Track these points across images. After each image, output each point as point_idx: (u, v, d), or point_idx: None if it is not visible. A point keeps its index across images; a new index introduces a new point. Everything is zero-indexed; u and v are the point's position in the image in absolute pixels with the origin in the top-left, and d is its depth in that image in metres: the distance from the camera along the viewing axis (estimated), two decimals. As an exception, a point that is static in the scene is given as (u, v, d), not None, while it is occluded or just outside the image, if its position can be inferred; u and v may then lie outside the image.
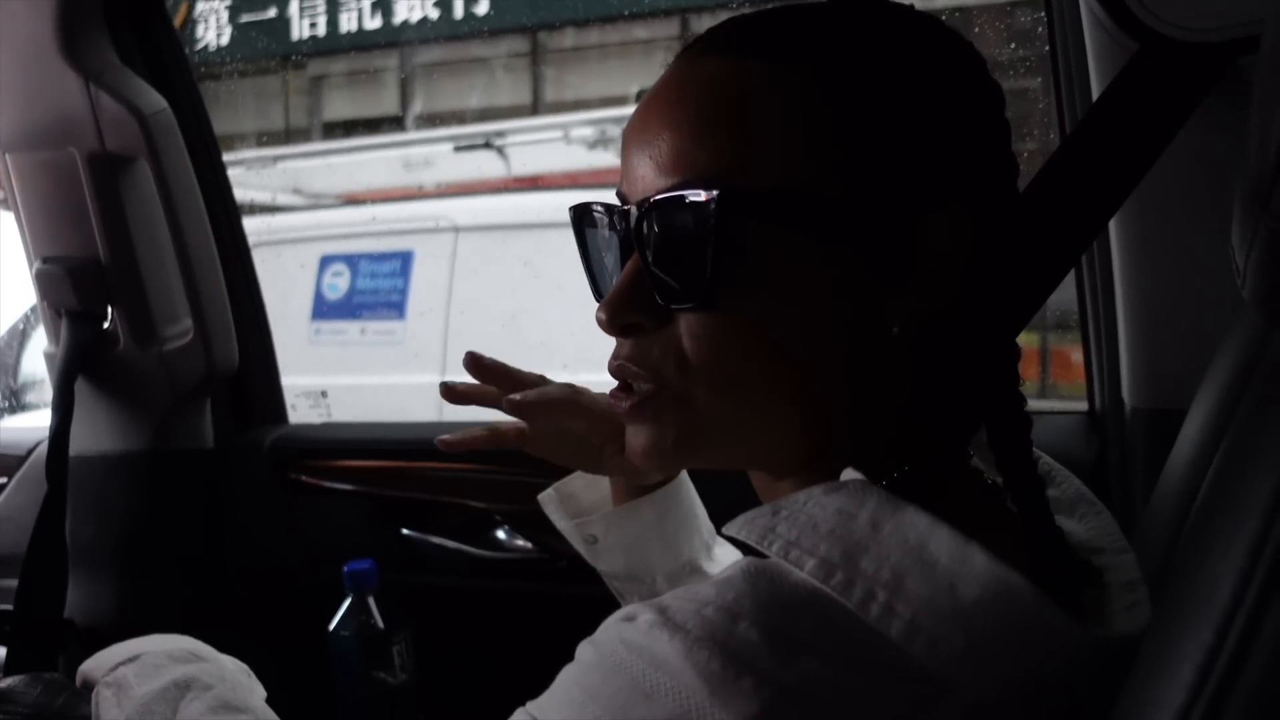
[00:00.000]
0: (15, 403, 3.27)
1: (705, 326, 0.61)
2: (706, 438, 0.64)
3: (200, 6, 5.89)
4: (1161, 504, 0.85)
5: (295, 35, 6.54)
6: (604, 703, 0.54)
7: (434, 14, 6.39)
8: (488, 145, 5.03)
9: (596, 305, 0.66)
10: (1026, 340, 0.71)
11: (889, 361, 0.63)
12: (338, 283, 4.24)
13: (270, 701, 0.97)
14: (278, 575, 1.65)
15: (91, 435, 1.58)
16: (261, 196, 4.98)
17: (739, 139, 0.59)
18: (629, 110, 0.66)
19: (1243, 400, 0.52)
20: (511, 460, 1.49)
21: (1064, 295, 0.96)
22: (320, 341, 4.21)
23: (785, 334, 0.61)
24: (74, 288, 1.49)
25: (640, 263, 0.62)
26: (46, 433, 1.50)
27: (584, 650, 0.58)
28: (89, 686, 0.96)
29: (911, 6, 0.64)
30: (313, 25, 6.47)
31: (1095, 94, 1.04)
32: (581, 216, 0.70)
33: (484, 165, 4.97)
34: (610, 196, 0.68)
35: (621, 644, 0.55)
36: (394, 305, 4.12)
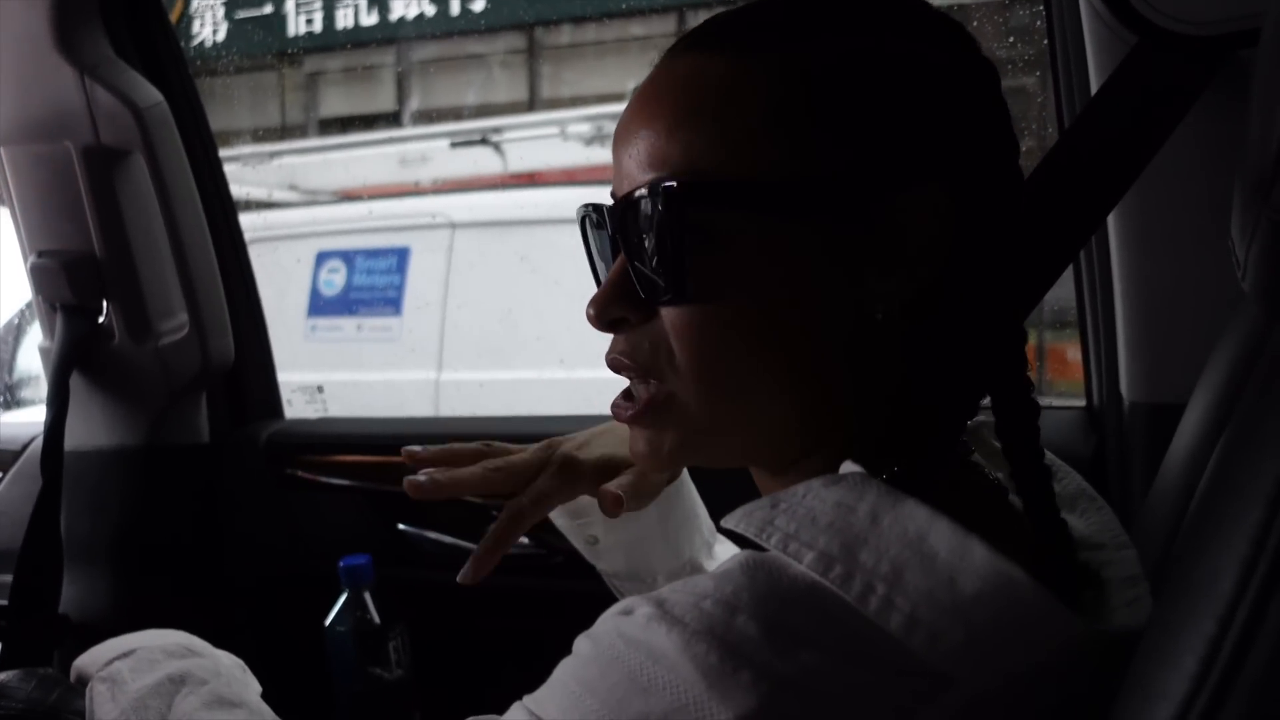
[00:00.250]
0: (10, 398, 3.27)
1: (685, 319, 0.62)
2: (703, 436, 0.65)
3: (196, 1, 5.88)
4: (1160, 498, 0.85)
5: (291, 31, 6.53)
6: (601, 696, 0.54)
7: (430, 10, 6.38)
8: (484, 141, 5.02)
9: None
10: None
11: (881, 349, 0.63)
12: (334, 279, 4.24)
13: (266, 697, 0.97)
14: (273, 570, 1.64)
15: (87, 430, 1.58)
16: (258, 192, 4.97)
17: (709, 132, 0.60)
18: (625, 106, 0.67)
19: (1244, 392, 0.52)
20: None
21: (1060, 292, 0.96)
22: (316, 337, 4.20)
23: (766, 323, 0.61)
24: (69, 282, 1.49)
25: (622, 259, 0.64)
26: (41, 427, 1.50)
27: (581, 644, 0.58)
28: (83, 681, 0.95)
29: None
30: (309, 21, 6.46)
31: (1094, 88, 1.04)
32: (585, 218, 0.72)
33: (480, 161, 4.97)
34: (607, 193, 0.70)
35: (619, 637, 0.55)
36: (390, 301, 4.12)
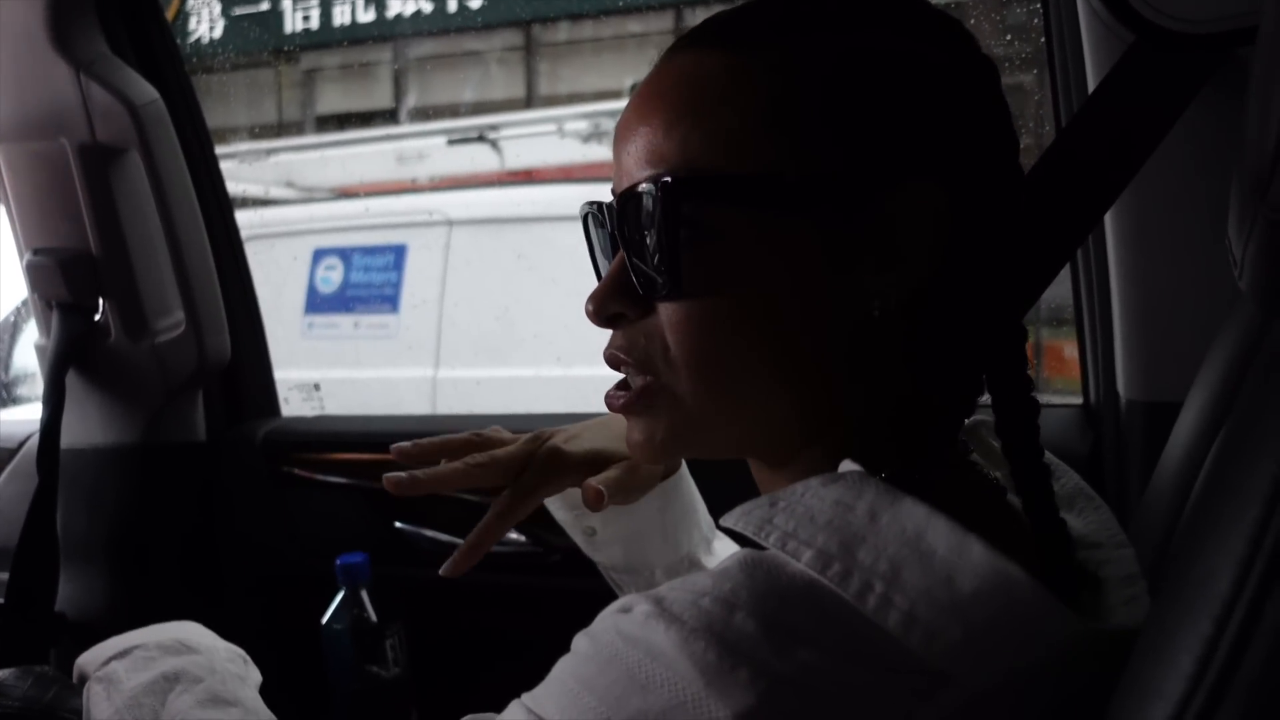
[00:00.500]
0: (6, 395, 3.26)
1: (682, 314, 0.62)
2: (697, 428, 0.65)
3: (192, -2, 5.88)
4: (1157, 496, 0.85)
5: (288, 28, 6.52)
6: (599, 693, 0.54)
7: (427, 7, 6.38)
8: (481, 139, 5.02)
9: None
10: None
11: (879, 345, 0.63)
12: (331, 276, 4.24)
13: (263, 694, 0.97)
14: (270, 568, 1.64)
15: (83, 428, 1.58)
16: (254, 189, 4.97)
17: (706, 128, 0.61)
18: (623, 104, 0.67)
19: (1241, 390, 0.52)
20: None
21: (1058, 290, 0.97)
22: (313, 335, 4.20)
23: (762, 318, 0.61)
24: (65, 280, 1.49)
25: (621, 254, 0.64)
26: (38, 425, 1.50)
27: (580, 642, 0.58)
28: (84, 680, 0.95)
29: None
30: (306, 18, 6.46)
31: (1091, 86, 1.04)
32: (587, 215, 0.72)
33: (478, 159, 4.96)
34: (604, 190, 0.70)
35: (617, 635, 0.55)
36: (387, 299, 4.12)
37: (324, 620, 1.35)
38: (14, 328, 3.15)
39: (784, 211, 0.60)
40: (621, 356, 0.66)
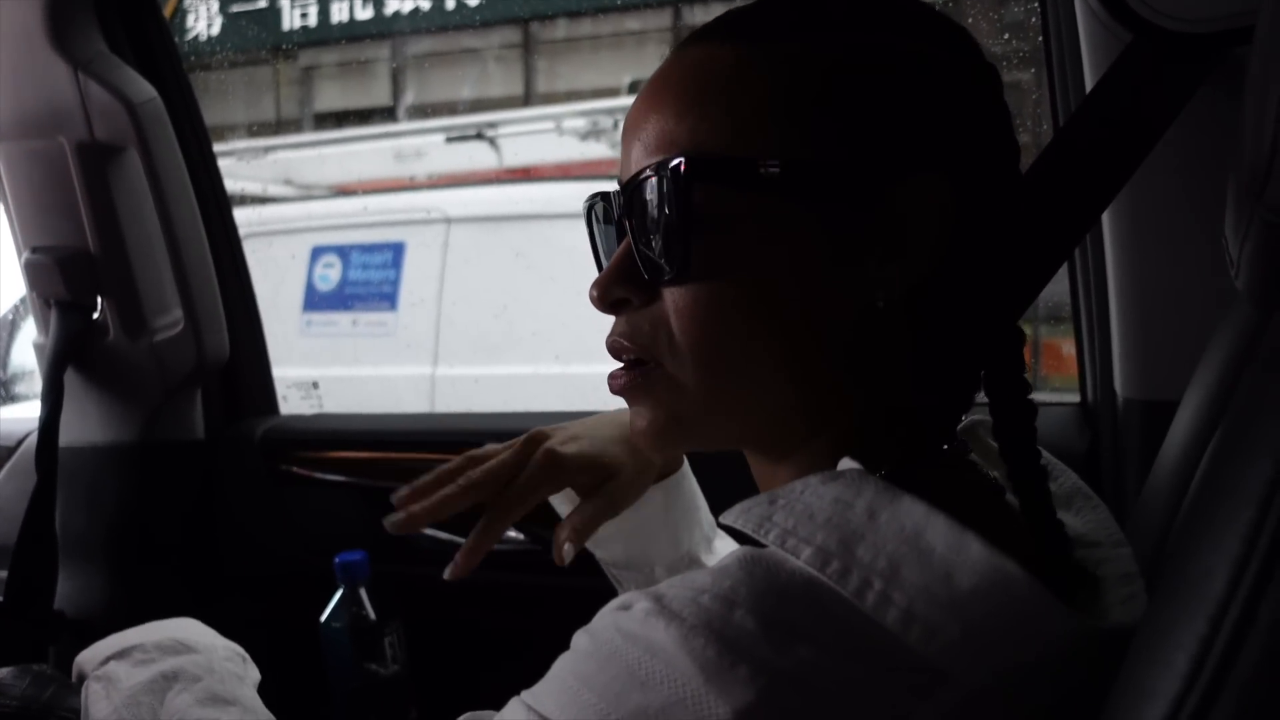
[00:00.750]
0: (4, 393, 3.26)
1: (686, 299, 0.62)
2: (700, 416, 0.65)
3: (190, -4, 5.87)
4: (1154, 495, 0.85)
5: (286, 25, 6.52)
6: (599, 690, 0.54)
7: (426, 4, 6.38)
8: (480, 136, 5.03)
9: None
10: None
11: (881, 339, 0.63)
12: (329, 274, 4.23)
13: (262, 693, 0.97)
14: (269, 566, 1.64)
15: (81, 426, 1.58)
16: (252, 187, 4.97)
17: (715, 116, 0.61)
18: (621, 101, 0.68)
19: (1237, 390, 0.52)
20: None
21: (1056, 287, 0.97)
22: (311, 333, 4.20)
23: (766, 305, 0.61)
24: (63, 278, 1.49)
25: (627, 240, 0.65)
26: (36, 424, 1.50)
27: (580, 639, 0.58)
28: (83, 679, 0.95)
29: None
30: (304, 15, 6.45)
31: (1089, 85, 1.04)
32: (590, 209, 0.73)
33: (476, 156, 4.97)
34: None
35: (617, 632, 0.55)
36: (386, 296, 4.12)
37: (323, 618, 1.35)
38: (12, 325, 3.15)
39: (790, 199, 0.60)
40: (624, 343, 0.66)
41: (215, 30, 6.19)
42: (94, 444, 1.58)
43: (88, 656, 0.97)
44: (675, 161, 0.60)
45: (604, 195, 0.70)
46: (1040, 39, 1.21)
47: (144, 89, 1.47)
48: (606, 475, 0.87)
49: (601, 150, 4.70)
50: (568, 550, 0.85)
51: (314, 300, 4.24)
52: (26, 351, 2.18)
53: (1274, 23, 0.51)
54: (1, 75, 1.44)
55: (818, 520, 0.56)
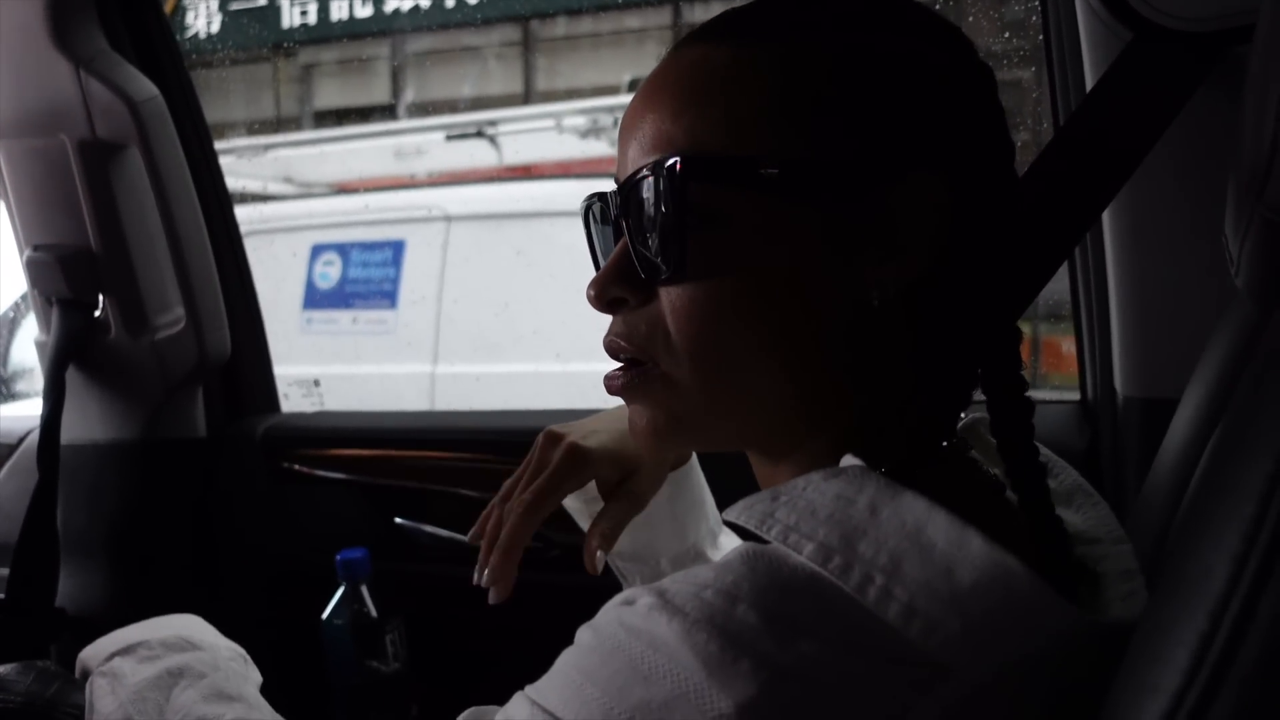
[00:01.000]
0: (6, 391, 3.26)
1: (683, 298, 0.62)
2: (698, 415, 0.65)
3: (190, -7, 5.87)
4: (1154, 493, 0.85)
5: (286, 23, 6.52)
6: (602, 684, 0.54)
7: (425, 2, 6.37)
8: (480, 134, 5.03)
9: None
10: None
11: (878, 337, 0.63)
12: (329, 271, 4.23)
13: (264, 690, 0.97)
14: (270, 564, 1.65)
15: (83, 424, 1.58)
16: (253, 185, 4.97)
17: (712, 116, 0.61)
18: (621, 99, 0.68)
19: (1237, 387, 0.52)
20: (504, 450, 1.49)
21: (1056, 285, 0.97)
22: (312, 330, 4.20)
23: (763, 303, 0.62)
24: (65, 275, 1.49)
25: (624, 240, 0.65)
26: (38, 421, 1.50)
27: (583, 634, 0.58)
28: (86, 675, 0.96)
29: None
30: (304, 13, 6.45)
31: (1089, 84, 1.04)
32: (587, 210, 0.73)
33: (476, 154, 4.97)
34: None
35: (620, 626, 0.55)
36: (386, 294, 4.12)
37: (324, 616, 1.35)
38: (13, 323, 3.15)
39: (787, 197, 0.60)
40: (621, 344, 0.66)
41: (215, 28, 6.19)
42: (95, 442, 1.59)
43: (91, 653, 0.97)
44: (671, 160, 0.61)
45: (601, 195, 0.71)
46: (1040, 37, 1.21)
47: (145, 87, 1.47)
48: (628, 469, 0.86)
49: (602, 148, 4.70)
50: (600, 558, 0.83)
51: (314, 298, 4.24)
52: (28, 349, 2.18)
53: (1274, 21, 0.52)
54: (3, 73, 1.44)
55: (820, 516, 0.56)
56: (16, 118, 1.46)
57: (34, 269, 1.51)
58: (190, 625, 1.02)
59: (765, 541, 0.57)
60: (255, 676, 0.99)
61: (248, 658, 1.01)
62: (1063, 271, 1.27)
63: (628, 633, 0.55)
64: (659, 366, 0.65)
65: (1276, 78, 0.50)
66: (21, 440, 1.76)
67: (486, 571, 0.82)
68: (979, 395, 0.67)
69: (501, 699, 0.62)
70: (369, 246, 4.18)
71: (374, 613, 1.35)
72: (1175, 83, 0.86)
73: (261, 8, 6.43)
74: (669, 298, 0.63)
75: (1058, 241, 0.78)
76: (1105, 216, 1.10)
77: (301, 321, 4.21)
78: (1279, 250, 0.55)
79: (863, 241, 0.61)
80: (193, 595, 1.61)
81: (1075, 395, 1.34)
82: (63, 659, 1.41)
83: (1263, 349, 0.50)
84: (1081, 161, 0.80)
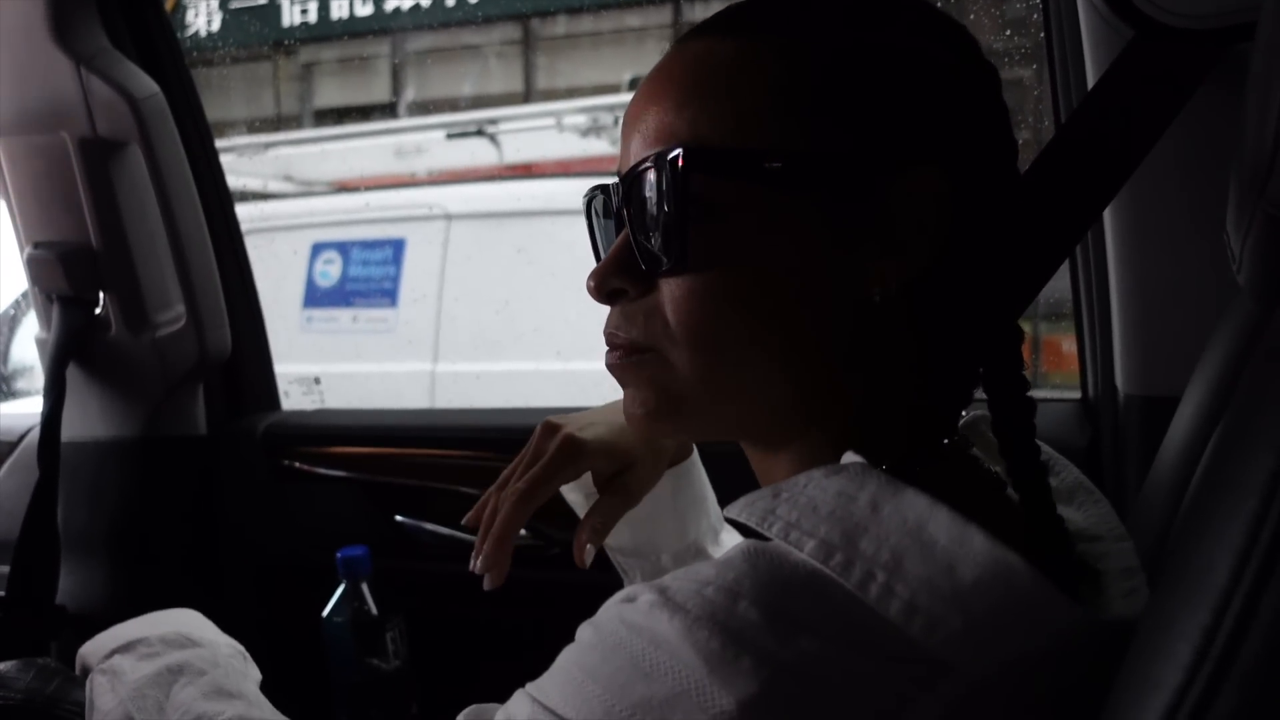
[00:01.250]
0: (7, 389, 3.26)
1: (683, 289, 0.62)
2: (694, 403, 0.65)
3: (191, -9, 5.87)
4: (1155, 490, 0.85)
5: (287, 21, 6.52)
6: (604, 682, 0.54)
7: (426, 1, 6.37)
8: (480, 133, 5.03)
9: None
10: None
11: (878, 332, 0.63)
12: (330, 270, 4.23)
13: (264, 688, 0.97)
14: (271, 562, 1.65)
15: (84, 421, 1.58)
16: (253, 183, 4.97)
17: (715, 108, 0.62)
18: (622, 98, 0.69)
19: (1239, 384, 0.52)
20: (504, 448, 1.49)
21: (1056, 284, 0.97)
22: (312, 329, 4.20)
23: (762, 295, 0.62)
24: (66, 273, 1.49)
25: (625, 231, 0.65)
26: (38, 419, 1.50)
27: (584, 631, 0.58)
28: (86, 671, 0.96)
29: None
30: (304, 11, 6.45)
31: (1090, 82, 1.04)
32: (589, 203, 0.73)
33: (477, 153, 4.97)
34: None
35: (621, 624, 0.55)
36: (386, 292, 4.12)
37: (324, 613, 1.35)
38: (14, 321, 3.15)
39: (788, 189, 0.61)
40: (620, 336, 0.66)
41: (216, 26, 6.19)
42: (96, 439, 1.59)
43: (91, 649, 0.97)
44: (674, 152, 0.61)
45: (603, 188, 0.71)
46: (1042, 35, 1.21)
47: (146, 84, 1.47)
48: (623, 462, 0.86)
49: (602, 146, 4.71)
50: (590, 551, 0.84)
51: (315, 296, 4.24)
52: (28, 347, 2.18)
53: (1276, 19, 0.52)
54: (3, 70, 1.44)
55: (821, 513, 0.56)
56: (17, 115, 1.46)
57: (35, 266, 1.51)
58: (189, 621, 1.02)
59: (766, 538, 0.57)
60: (254, 674, 0.99)
61: (246, 654, 1.01)
62: (1064, 269, 1.27)
63: (629, 630, 0.55)
64: (658, 353, 0.65)
65: (1279, 75, 0.50)
66: (22, 438, 1.76)
67: (480, 558, 0.82)
68: (979, 394, 0.67)
69: (502, 696, 0.62)
70: (369, 245, 4.18)
71: (374, 610, 1.35)
72: (1177, 80, 0.86)
73: (262, 6, 6.43)
74: (669, 289, 0.63)
75: (1059, 239, 0.78)
76: (1107, 214, 1.10)
77: (302, 320, 4.22)
78: (1281, 247, 0.55)
79: (863, 236, 0.61)
80: (193, 592, 1.61)
81: (1076, 394, 1.34)
82: (63, 656, 1.41)
83: (1264, 346, 0.50)
84: (1083, 159, 0.80)
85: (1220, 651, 0.41)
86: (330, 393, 3.93)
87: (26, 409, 2.06)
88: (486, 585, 0.83)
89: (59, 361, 1.50)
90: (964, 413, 0.70)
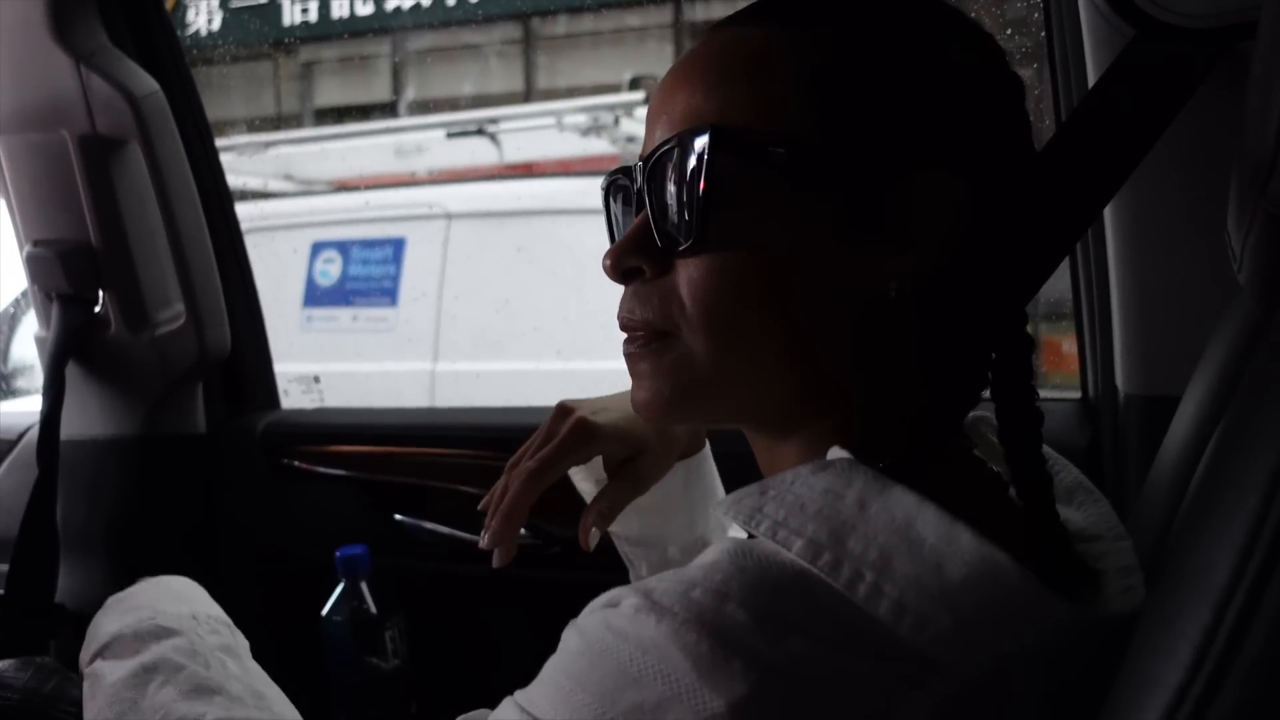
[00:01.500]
0: (6, 387, 3.26)
1: (701, 269, 0.63)
2: (704, 386, 0.65)
3: (191, -10, 5.87)
4: (1155, 490, 0.85)
5: (287, 20, 6.52)
6: (593, 690, 0.54)
7: (426, 0, 6.37)
8: (480, 132, 5.03)
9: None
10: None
11: (888, 328, 0.63)
12: (330, 269, 4.23)
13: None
14: (270, 560, 1.64)
15: (83, 420, 1.58)
16: (253, 182, 4.97)
17: (740, 94, 0.62)
18: (622, 97, 0.69)
19: (1240, 383, 0.52)
20: (504, 447, 1.49)
21: (1056, 284, 0.97)
22: (312, 328, 4.20)
23: (777, 281, 0.62)
24: (65, 271, 1.49)
25: (644, 213, 0.65)
26: (37, 417, 1.50)
27: (569, 637, 0.58)
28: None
29: None
30: (304, 10, 6.45)
31: (1091, 81, 1.04)
32: (608, 188, 0.73)
33: (477, 152, 4.97)
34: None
35: (607, 629, 0.55)
36: (386, 292, 4.12)
37: (324, 612, 1.35)
38: (13, 319, 3.15)
39: (809, 178, 0.61)
40: (635, 317, 0.66)
41: (216, 25, 6.19)
42: (95, 437, 1.59)
43: (83, 649, 0.97)
44: (700, 131, 0.61)
45: (625, 170, 0.71)
46: (1042, 34, 1.21)
47: (146, 82, 1.47)
48: (635, 448, 0.87)
49: (602, 146, 4.71)
50: (595, 535, 0.84)
51: (315, 295, 4.24)
52: (27, 345, 2.18)
53: (1277, 18, 0.52)
54: (3, 68, 1.44)
55: (808, 512, 0.56)
56: (17, 112, 1.45)
57: (34, 264, 1.51)
58: (180, 592, 1.01)
59: (753, 536, 0.57)
60: (241, 642, 0.98)
61: (231, 624, 1.00)
62: (1064, 268, 1.27)
63: (615, 636, 0.55)
64: (673, 336, 0.65)
65: (1279, 74, 0.50)
66: (21, 436, 1.76)
67: (488, 534, 0.84)
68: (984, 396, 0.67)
69: (502, 695, 0.61)
70: (369, 244, 4.19)
71: (373, 609, 1.35)
72: (1178, 79, 0.86)
73: (262, 5, 6.43)
74: (685, 270, 0.63)
75: (1059, 238, 0.78)
76: (1107, 213, 1.09)
77: (302, 319, 4.22)
78: (1282, 246, 0.55)
79: (878, 230, 0.62)
80: (192, 591, 1.61)
81: (1076, 393, 1.34)
82: (62, 655, 1.41)
83: (1265, 345, 0.50)
84: (1083, 158, 0.79)
85: (1221, 649, 0.41)
86: (330, 392, 3.93)
87: (26, 407, 2.06)
88: (495, 562, 0.85)
89: (58, 360, 1.50)
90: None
